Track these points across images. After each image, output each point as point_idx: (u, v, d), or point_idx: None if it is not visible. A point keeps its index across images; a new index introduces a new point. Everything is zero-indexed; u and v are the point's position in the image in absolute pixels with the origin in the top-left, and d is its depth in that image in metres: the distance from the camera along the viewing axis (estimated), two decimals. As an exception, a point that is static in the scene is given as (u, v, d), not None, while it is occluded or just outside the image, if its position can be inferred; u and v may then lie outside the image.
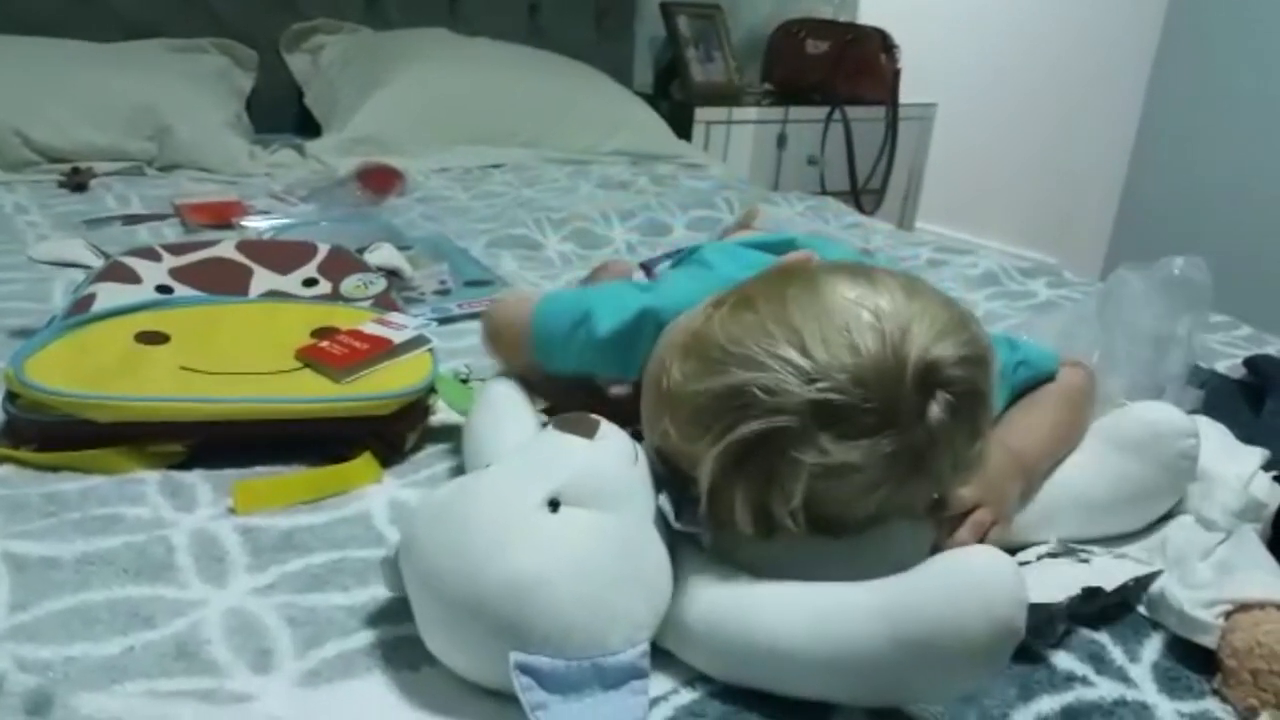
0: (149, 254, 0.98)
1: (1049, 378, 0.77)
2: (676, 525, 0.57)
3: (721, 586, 0.56)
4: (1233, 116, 2.04)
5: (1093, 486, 0.71)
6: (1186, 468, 0.72)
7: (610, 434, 0.59)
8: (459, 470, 0.76)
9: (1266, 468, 0.75)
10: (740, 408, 0.53)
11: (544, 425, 0.63)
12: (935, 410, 0.53)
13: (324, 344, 0.83)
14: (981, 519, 0.63)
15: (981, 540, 0.62)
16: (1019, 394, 0.75)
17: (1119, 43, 3.01)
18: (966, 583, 0.49)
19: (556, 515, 0.54)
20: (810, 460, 0.52)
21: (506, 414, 0.72)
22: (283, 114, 2.04)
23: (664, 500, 0.58)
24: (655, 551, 0.56)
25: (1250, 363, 1.00)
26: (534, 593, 0.50)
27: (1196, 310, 0.90)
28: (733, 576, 0.56)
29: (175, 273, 0.96)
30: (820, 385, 0.52)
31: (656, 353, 0.65)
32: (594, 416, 0.60)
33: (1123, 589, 0.63)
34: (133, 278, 0.93)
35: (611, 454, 0.58)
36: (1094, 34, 3.20)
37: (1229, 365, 1.05)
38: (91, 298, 0.88)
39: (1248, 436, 0.81)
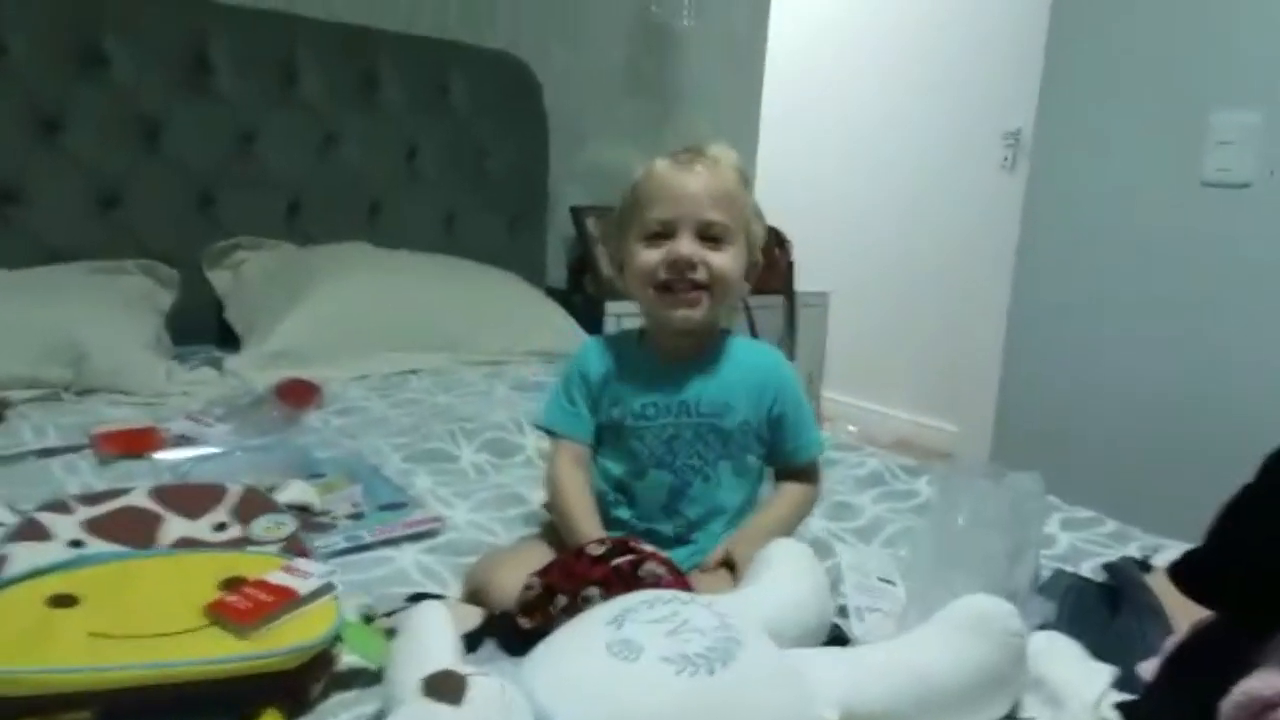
0: (61, 507, 1.00)
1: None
2: None
3: None
4: (1094, 318, 2.27)
5: (936, 663, 0.75)
6: (1016, 645, 0.77)
7: (480, 694, 0.62)
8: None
9: (1117, 685, 0.80)
10: None
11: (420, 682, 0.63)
12: None
13: (231, 598, 0.86)
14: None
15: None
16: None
17: (984, 232, 3.32)
18: None
19: None
20: None
21: (425, 639, 0.74)
22: (203, 327, 2.09)
23: None
24: None
25: (1109, 567, 1.08)
26: None
27: (1034, 524, 0.99)
28: None
29: (87, 525, 0.99)
30: None
31: None
32: (464, 674, 0.63)
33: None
34: (45, 535, 0.95)
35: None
36: (962, 223, 3.53)
37: (1092, 566, 1.12)
38: (3, 560, 0.90)
39: (1103, 648, 0.86)
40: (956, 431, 3.60)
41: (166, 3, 2.13)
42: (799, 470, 1.11)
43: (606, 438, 1.11)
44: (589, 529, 1.02)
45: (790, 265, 2.70)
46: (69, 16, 2.00)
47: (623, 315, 2.53)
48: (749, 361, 1.09)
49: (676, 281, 1.03)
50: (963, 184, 3.62)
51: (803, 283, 2.78)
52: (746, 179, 1.09)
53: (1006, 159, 3.42)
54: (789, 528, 1.08)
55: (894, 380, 3.86)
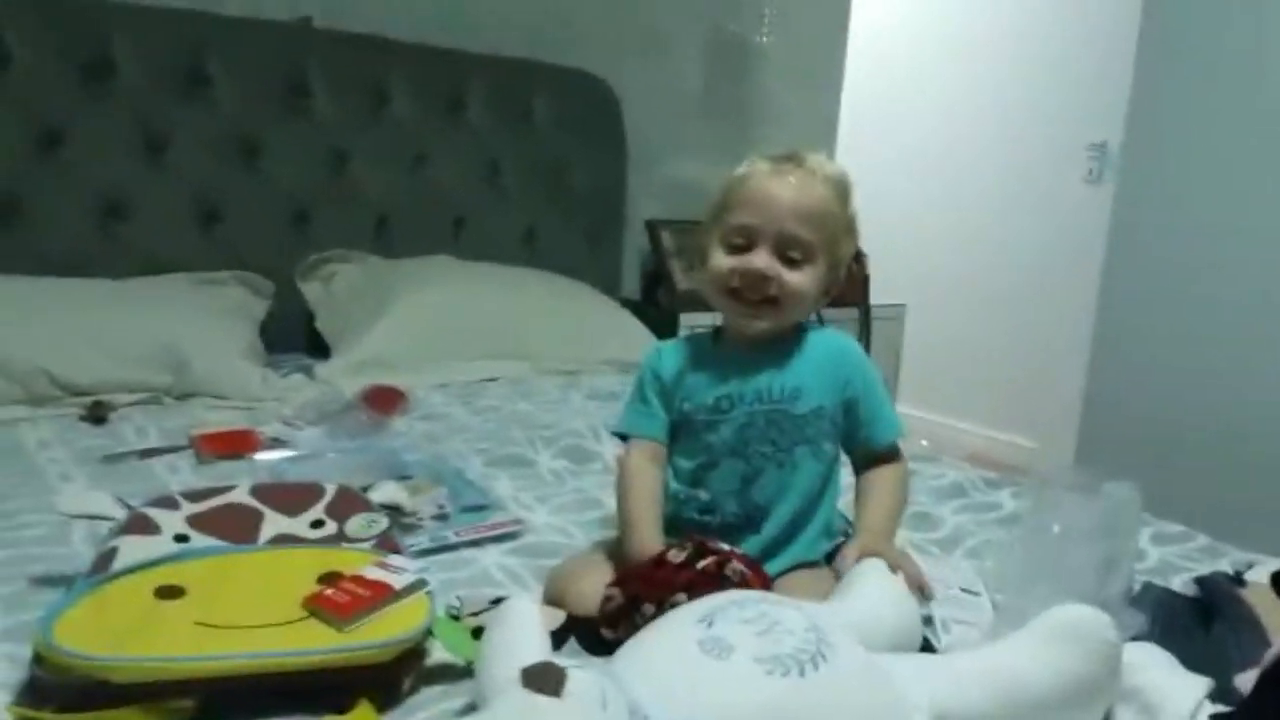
0: (168, 503, 1.06)
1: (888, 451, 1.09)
2: None
3: None
4: (1184, 331, 2.21)
5: (1029, 670, 0.75)
6: (1111, 654, 0.76)
7: (578, 686, 0.63)
8: (452, 713, 0.81)
9: (1212, 697, 0.79)
10: None
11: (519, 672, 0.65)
12: None
13: (329, 592, 0.89)
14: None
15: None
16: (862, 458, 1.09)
17: (1069, 242, 3.23)
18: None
19: None
20: None
21: (517, 635, 0.76)
22: (295, 335, 2.17)
23: None
24: None
25: (1201, 581, 1.05)
26: None
27: (1129, 534, 0.97)
28: None
29: (192, 520, 1.03)
30: None
31: None
32: (562, 666, 0.65)
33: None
34: (153, 528, 1.00)
35: (578, 713, 0.62)
36: (1043, 235, 3.45)
37: (1183, 581, 1.09)
38: (114, 552, 0.95)
39: (1195, 660, 0.84)
40: (1032, 447, 3.51)
41: (267, 29, 2.22)
42: (880, 455, 1.09)
43: (679, 434, 1.11)
44: (649, 538, 1.01)
45: (866, 279, 2.68)
46: (175, 43, 2.11)
47: (696, 328, 2.54)
48: (823, 348, 1.09)
49: (748, 291, 1.04)
50: (1045, 196, 3.55)
51: (879, 295, 2.76)
52: (844, 193, 1.08)
53: (1091, 171, 3.34)
54: (900, 511, 1.08)
55: (968, 394, 3.78)
